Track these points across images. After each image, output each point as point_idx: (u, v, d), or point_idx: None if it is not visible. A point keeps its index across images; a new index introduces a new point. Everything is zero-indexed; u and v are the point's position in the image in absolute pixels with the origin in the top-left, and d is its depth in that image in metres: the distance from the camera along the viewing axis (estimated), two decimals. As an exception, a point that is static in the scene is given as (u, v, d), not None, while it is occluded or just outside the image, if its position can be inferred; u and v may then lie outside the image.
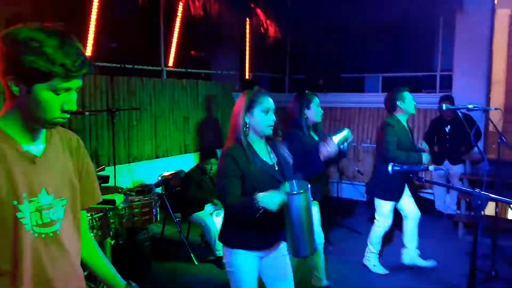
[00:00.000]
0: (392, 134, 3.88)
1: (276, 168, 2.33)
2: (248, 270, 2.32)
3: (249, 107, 2.27)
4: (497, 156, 4.15)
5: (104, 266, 1.59)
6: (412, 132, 4.36)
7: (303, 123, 3.39)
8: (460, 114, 3.80)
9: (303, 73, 7.91)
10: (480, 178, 3.85)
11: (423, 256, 4.36)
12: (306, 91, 3.56)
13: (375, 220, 4.23)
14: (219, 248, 4.38)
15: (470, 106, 3.55)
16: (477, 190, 1.88)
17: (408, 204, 4.17)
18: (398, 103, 4.00)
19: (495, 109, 3.96)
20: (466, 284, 1.98)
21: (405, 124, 4.06)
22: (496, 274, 4.00)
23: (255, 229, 2.24)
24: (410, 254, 4.28)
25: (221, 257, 4.37)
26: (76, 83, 1.29)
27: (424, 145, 5.45)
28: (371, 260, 4.28)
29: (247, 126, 2.28)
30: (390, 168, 2.13)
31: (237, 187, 2.22)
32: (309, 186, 2.09)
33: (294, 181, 2.14)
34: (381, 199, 4.12)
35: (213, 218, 4.55)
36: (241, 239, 2.30)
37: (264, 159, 2.32)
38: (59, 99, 1.27)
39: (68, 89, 1.28)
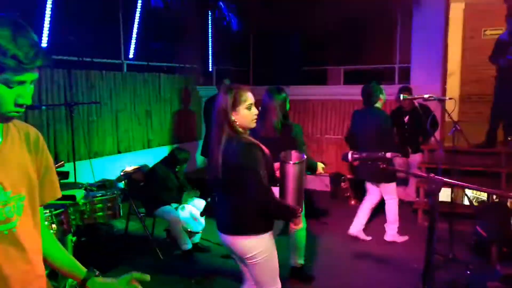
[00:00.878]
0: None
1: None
2: (275, 250, 2.51)
3: (234, 105, 2.34)
4: (452, 145, 4.33)
5: (63, 256, 1.54)
6: None
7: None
8: (416, 104, 3.94)
9: (266, 66, 7.94)
10: (437, 165, 3.99)
11: (384, 243, 4.71)
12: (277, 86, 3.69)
13: (388, 201, 4.76)
14: (186, 242, 4.36)
15: (426, 96, 3.69)
16: (432, 174, 1.94)
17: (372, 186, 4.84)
18: (380, 95, 4.44)
19: (450, 98, 4.12)
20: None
21: None
22: (453, 257, 4.20)
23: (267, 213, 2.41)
24: (356, 226, 4.85)
25: (188, 251, 4.36)
26: (30, 76, 1.25)
27: None
28: (396, 235, 4.83)
29: (237, 123, 2.36)
30: (349, 156, 2.19)
31: (266, 176, 2.36)
32: (304, 156, 2.39)
33: (290, 151, 2.40)
34: (388, 183, 4.65)
35: (179, 211, 4.51)
36: (265, 223, 2.42)
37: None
38: (13, 92, 1.23)
39: (21, 82, 1.24)
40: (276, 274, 2.50)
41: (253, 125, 2.40)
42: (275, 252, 2.50)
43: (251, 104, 2.37)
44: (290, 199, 2.33)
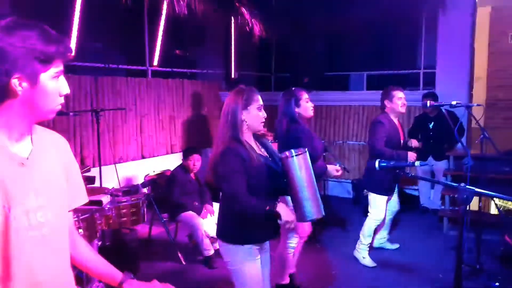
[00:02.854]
0: (381, 131, 4.00)
1: (271, 160, 2.44)
2: (257, 264, 2.41)
3: (246, 105, 2.33)
4: (480, 152, 4.22)
5: (97, 259, 1.58)
6: (403, 129, 4.47)
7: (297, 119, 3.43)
8: (443, 110, 3.86)
9: (288, 71, 7.94)
10: (463, 173, 3.90)
11: (409, 252, 4.53)
12: (293, 88, 3.59)
13: (368, 213, 4.33)
14: (208, 248, 4.37)
15: (454, 103, 3.61)
16: (463, 184, 1.90)
17: (393, 201, 4.43)
18: (385, 102, 4.11)
19: (478, 105, 4.02)
20: (452, 278, 2.00)
21: (395, 121, 4.20)
22: (481, 267, 4.09)
23: (257, 223, 2.33)
24: (378, 238, 4.60)
25: (209, 257, 4.37)
26: (61, 66, 1.31)
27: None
28: (362, 252, 4.35)
29: (246, 124, 2.35)
30: (377, 164, 2.16)
31: (244, 183, 2.28)
32: (306, 150, 2.26)
33: (292, 150, 2.27)
34: (376, 193, 4.24)
35: (201, 217, 4.53)
36: (249, 233, 2.37)
37: (259, 153, 2.41)
38: (58, 84, 1.29)
39: (59, 73, 1.30)
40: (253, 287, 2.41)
41: (261, 128, 2.41)
42: (254, 267, 2.40)
43: (261, 105, 2.38)
44: (301, 196, 2.22)
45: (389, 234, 4.79)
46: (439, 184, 5.77)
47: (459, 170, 5.57)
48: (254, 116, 2.34)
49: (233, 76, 6.99)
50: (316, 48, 7.39)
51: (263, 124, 2.40)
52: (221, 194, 2.50)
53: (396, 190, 4.41)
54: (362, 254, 4.35)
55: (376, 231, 4.48)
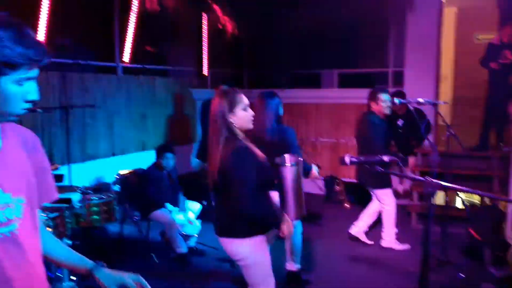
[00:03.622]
0: (379, 130, 4.36)
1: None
2: (266, 253, 2.54)
3: (231, 108, 2.39)
4: (446, 148, 4.37)
5: (67, 251, 1.58)
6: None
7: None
8: (410, 107, 3.97)
9: (261, 69, 7.97)
10: (431, 169, 4.03)
11: (379, 246, 4.68)
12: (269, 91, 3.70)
13: (383, 209, 4.61)
14: (181, 245, 4.36)
15: (421, 100, 3.72)
16: (428, 178, 1.97)
17: None
18: (371, 103, 4.35)
19: (444, 103, 4.17)
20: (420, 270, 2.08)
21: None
22: (447, 260, 4.23)
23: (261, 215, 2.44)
24: (358, 227, 4.80)
25: (183, 254, 4.35)
26: (36, 72, 1.28)
27: None
28: (392, 243, 4.67)
29: (235, 124, 2.41)
30: (347, 159, 2.20)
31: (254, 184, 2.37)
32: (301, 159, 2.52)
33: (284, 155, 2.51)
34: (382, 189, 4.50)
35: (174, 214, 4.50)
36: (253, 226, 2.44)
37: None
38: (22, 90, 1.25)
39: (29, 79, 1.26)
40: (267, 277, 2.53)
41: (251, 125, 2.47)
42: (266, 256, 2.53)
43: (247, 105, 2.44)
44: (291, 202, 2.45)
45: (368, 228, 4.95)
46: (407, 179, 5.92)
47: (426, 166, 5.74)
48: (241, 117, 2.41)
49: (205, 73, 6.96)
50: (288, 46, 7.44)
51: (251, 122, 2.47)
52: (223, 191, 2.48)
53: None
54: (394, 244, 4.66)
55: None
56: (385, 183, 4.54)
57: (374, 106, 4.37)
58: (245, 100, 2.44)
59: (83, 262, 1.55)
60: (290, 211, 2.59)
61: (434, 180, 1.95)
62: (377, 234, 4.93)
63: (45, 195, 1.50)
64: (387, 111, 4.36)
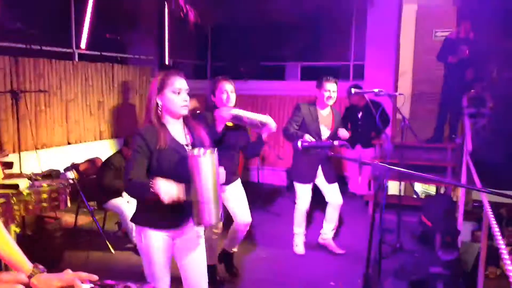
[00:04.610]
0: (295, 115, 4.09)
1: (189, 148, 2.31)
2: (156, 250, 2.31)
3: (160, 89, 2.27)
4: (400, 139, 4.48)
5: (10, 247, 1.48)
6: (336, 120, 4.28)
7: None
8: (367, 98, 4.04)
9: (224, 60, 7.92)
10: (384, 160, 4.12)
11: (338, 235, 4.70)
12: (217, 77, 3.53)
13: (296, 204, 4.36)
14: (137, 235, 4.28)
15: (376, 90, 3.79)
16: (377, 161, 2.00)
17: (328, 190, 4.31)
18: (316, 90, 4.16)
19: (400, 94, 4.26)
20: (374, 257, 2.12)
21: (320, 111, 4.16)
22: (400, 246, 4.36)
23: (161, 209, 2.15)
24: (325, 236, 4.49)
25: (139, 244, 4.28)
26: None
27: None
28: (295, 240, 4.43)
29: (160, 107, 2.28)
30: (299, 143, 2.22)
31: (142, 165, 2.22)
32: (215, 151, 2.11)
33: (202, 149, 2.14)
34: (296, 182, 4.28)
35: (130, 204, 4.42)
36: (149, 218, 2.28)
37: (177, 139, 2.31)
38: None
39: None
40: (153, 272, 2.38)
41: (183, 111, 2.29)
42: (158, 257, 2.33)
43: (180, 89, 2.27)
44: (200, 198, 2.11)
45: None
46: (363, 170, 6.04)
47: (384, 157, 5.88)
48: (169, 99, 2.26)
49: (167, 62, 6.85)
50: (253, 37, 7.42)
51: (184, 107, 2.29)
52: None
53: (330, 181, 4.28)
54: (295, 242, 4.44)
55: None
56: (300, 178, 4.26)
57: (317, 95, 4.15)
58: (178, 83, 2.28)
59: (23, 265, 1.46)
60: (206, 213, 2.12)
61: (381, 164, 1.99)
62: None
63: None
64: (328, 102, 4.07)
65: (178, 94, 2.27)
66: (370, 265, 2.25)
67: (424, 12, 9.00)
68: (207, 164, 2.07)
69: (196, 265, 2.46)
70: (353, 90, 4.00)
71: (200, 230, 2.47)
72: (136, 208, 2.39)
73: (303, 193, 4.26)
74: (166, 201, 2.04)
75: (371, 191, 5.84)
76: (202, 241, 2.49)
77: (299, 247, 4.41)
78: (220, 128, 3.10)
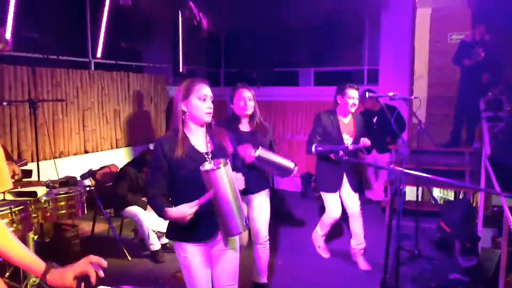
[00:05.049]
0: (316, 126, 3.96)
1: (209, 157, 2.30)
2: (195, 263, 2.32)
3: (186, 96, 2.28)
4: (417, 143, 4.43)
5: (20, 250, 1.50)
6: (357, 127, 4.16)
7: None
8: (380, 102, 3.99)
9: (238, 66, 7.96)
10: (400, 165, 4.06)
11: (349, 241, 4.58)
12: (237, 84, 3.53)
13: (326, 210, 4.29)
14: (154, 242, 4.30)
15: (390, 94, 3.74)
16: (392, 165, 1.98)
17: (351, 199, 4.20)
18: (337, 97, 4.04)
19: (414, 98, 4.19)
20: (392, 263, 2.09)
21: (341, 118, 4.07)
22: (419, 253, 4.29)
23: (192, 222, 2.16)
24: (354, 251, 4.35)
25: (156, 251, 4.30)
26: None
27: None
28: (318, 241, 4.44)
29: (186, 114, 2.29)
30: (313, 148, 2.21)
31: (160, 176, 2.25)
32: (228, 162, 2.09)
33: (217, 160, 2.13)
34: (323, 192, 4.18)
35: (147, 212, 4.44)
36: (182, 232, 2.28)
37: (197, 148, 2.31)
38: None
39: None
40: (195, 285, 2.36)
41: (207, 118, 2.29)
42: (194, 267, 2.33)
43: (206, 95, 2.28)
44: (222, 211, 2.12)
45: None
46: (379, 175, 5.98)
47: (400, 162, 5.81)
48: (194, 106, 2.26)
49: (181, 70, 6.90)
50: (265, 44, 7.45)
51: (208, 115, 2.29)
52: None
53: (351, 189, 4.17)
54: (318, 243, 4.45)
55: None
56: (326, 187, 4.16)
57: (339, 101, 4.04)
58: (203, 90, 2.28)
59: (34, 263, 1.48)
60: (230, 224, 2.13)
61: (397, 168, 1.97)
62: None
63: None
64: (352, 109, 4.00)
65: (203, 101, 2.27)
66: (387, 272, 2.22)
67: (438, 15, 8.93)
68: (221, 177, 2.05)
69: (229, 273, 2.45)
70: (367, 94, 3.95)
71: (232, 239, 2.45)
72: (169, 223, 2.37)
73: (332, 202, 4.16)
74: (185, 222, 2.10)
75: (388, 197, 5.78)
76: (236, 253, 2.47)
77: (321, 248, 4.45)
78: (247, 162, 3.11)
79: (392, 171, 1.95)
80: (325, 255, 4.41)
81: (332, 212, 4.18)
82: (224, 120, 3.39)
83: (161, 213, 2.16)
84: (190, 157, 2.25)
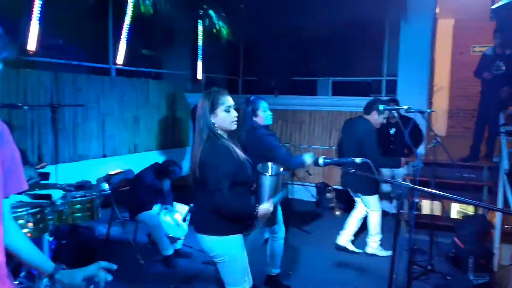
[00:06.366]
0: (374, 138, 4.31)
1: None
2: (241, 251, 2.49)
3: (212, 109, 2.40)
4: (433, 156, 4.37)
5: (31, 249, 1.55)
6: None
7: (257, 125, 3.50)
8: (395, 114, 3.98)
9: (256, 75, 8.01)
10: (414, 178, 4.03)
11: (368, 253, 4.73)
12: (252, 97, 3.61)
13: (368, 214, 4.63)
14: (167, 247, 4.35)
15: (405, 107, 3.71)
16: (399, 181, 1.97)
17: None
18: (374, 111, 4.33)
19: (431, 111, 4.15)
20: (404, 278, 2.07)
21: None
22: (432, 268, 4.22)
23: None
24: (344, 236, 4.77)
25: (168, 256, 4.34)
26: None
27: None
28: (377, 249, 4.68)
29: (215, 126, 2.43)
30: (321, 160, 2.23)
31: (230, 181, 2.39)
32: (281, 169, 2.45)
33: (268, 163, 2.48)
34: (367, 195, 4.49)
35: (162, 217, 4.49)
36: (230, 226, 2.43)
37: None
38: None
39: None
40: (242, 275, 2.51)
41: (233, 127, 2.45)
42: (242, 255, 2.51)
43: (230, 106, 2.42)
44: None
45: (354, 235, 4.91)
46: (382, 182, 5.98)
47: (415, 175, 5.73)
48: (222, 118, 2.41)
49: (199, 78, 7.00)
50: (284, 52, 7.48)
51: (234, 123, 2.45)
52: (200, 187, 2.47)
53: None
54: (378, 250, 4.69)
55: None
56: (372, 189, 4.53)
57: (372, 116, 4.37)
58: (228, 101, 2.43)
59: (45, 263, 1.53)
60: (274, 216, 2.64)
61: (403, 183, 1.96)
62: (363, 240, 4.93)
63: (12, 186, 1.49)
64: (378, 126, 4.41)
65: (229, 112, 2.41)
66: (392, 284, 2.21)
67: (461, 26, 8.83)
68: (275, 182, 2.42)
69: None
70: (381, 107, 3.95)
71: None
72: (210, 221, 2.46)
73: (376, 203, 4.55)
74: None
75: (403, 210, 5.70)
76: None
77: (383, 251, 4.67)
78: None
79: (397, 185, 1.95)
80: (388, 254, 4.61)
81: (379, 210, 4.58)
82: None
83: (253, 211, 2.38)
84: (244, 159, 2.45)
